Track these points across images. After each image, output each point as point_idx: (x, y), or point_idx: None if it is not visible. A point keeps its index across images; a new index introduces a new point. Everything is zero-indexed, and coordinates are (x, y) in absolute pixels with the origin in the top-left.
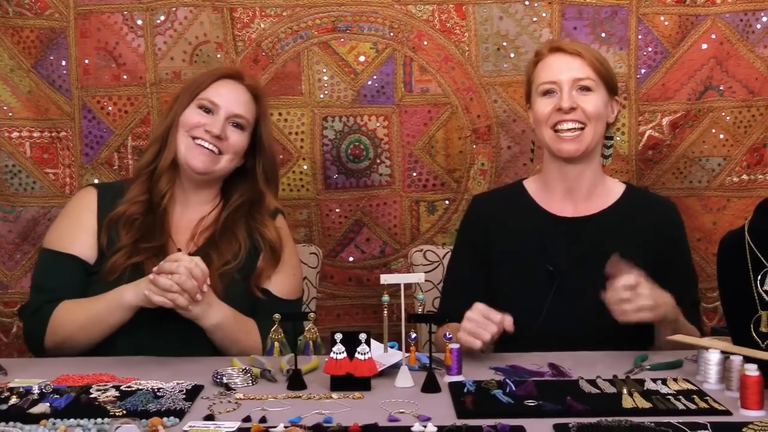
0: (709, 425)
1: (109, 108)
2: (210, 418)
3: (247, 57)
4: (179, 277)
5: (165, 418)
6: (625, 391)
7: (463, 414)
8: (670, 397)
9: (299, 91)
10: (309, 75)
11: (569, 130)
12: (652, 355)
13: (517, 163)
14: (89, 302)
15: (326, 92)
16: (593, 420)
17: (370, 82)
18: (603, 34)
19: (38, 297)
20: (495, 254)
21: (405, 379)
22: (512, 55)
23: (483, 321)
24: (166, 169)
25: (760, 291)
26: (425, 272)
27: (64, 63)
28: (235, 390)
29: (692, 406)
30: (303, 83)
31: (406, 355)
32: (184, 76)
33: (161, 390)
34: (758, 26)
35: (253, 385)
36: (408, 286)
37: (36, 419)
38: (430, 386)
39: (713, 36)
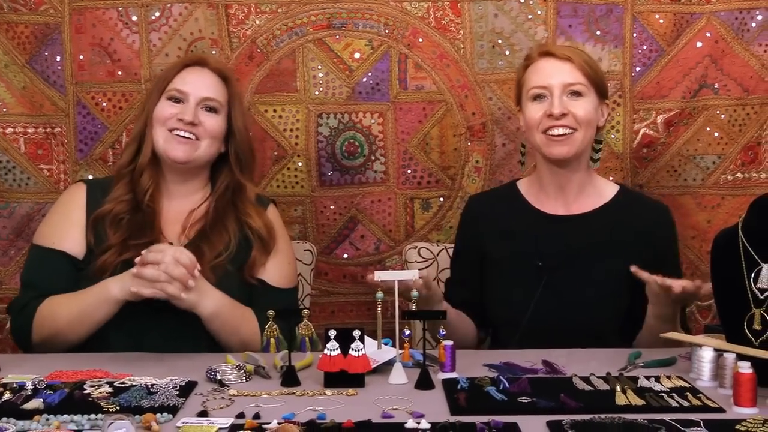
0: (702, 422)
1: (104, 104)
2: (203, 414)
3: (242, 53)
4: (166, 266)
5: (158, 414)
6: (618, 388)
7: (456, 411)
8: (663, 394)
9: (294, 88)
10: (304, 72)
11: (560, 134)
12: (646, 352)
13: (511, 160)
14: (75, 297)
15: (321, 89)
16: (587, 417)
17: (365, 79)
18: (598, 32)
19: (27, 293)
20: (488, 252)
21: (399, 375)
22: (507, 52)
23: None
24: (147, 166)
25: (754, 289)
26: (419, 269)
27: (58, 59)
28: (228, 386)
29: (685, 404)
30: (298, 80)
31: (400, 351)
32: None
33: (155, 386)
34: (753, 24)
35: (246, 381)
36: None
37: (29, 415)
38: (424, 383)
39: (708, 34)
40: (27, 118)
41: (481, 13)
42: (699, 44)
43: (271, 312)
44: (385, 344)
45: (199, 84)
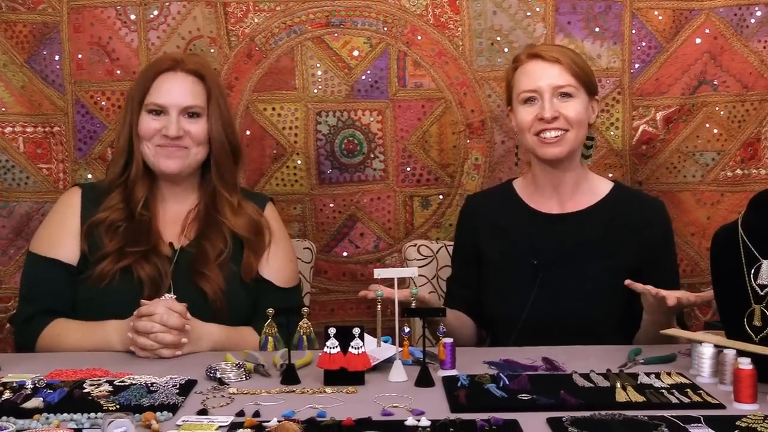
0: (702, 419)
1: (103, 103)
2: (203, 412)
3: (241, 52)
4: (155, 335)
5: (158, 413)
6: (618, 384)
7: (456, 408)
8: (663, 390)
9: (293, 86)
10: (303, 70)
11: (553, 137)
12: (646, 349)
13: (511, 157)
14: (79, 330)
15: (320, 87)
16: (587, 414)
17: (363, 77)
18: (597, 29)
19: (28, 307)
20: (484, 251)
21: (398, 373)
22: (506, 49)
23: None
24: (140, 178)
25: (754, 285)
26: (419, 267)
27: (57, 58)
28: (228, 385)
29: (686, 400)
30: (297, 78)
31: (400, 349)
32: None
33: (155, 385)
34: (752, 21)
35: (246, 379)
36: (402, 280)
37: (29, 414)
38: (424, 380)
39: (707, 31)
40: (26, 117)
41: (479, 10)
42: (698, 41)
43: (270, 310)
44: (385, 342)
45: (176, 93)
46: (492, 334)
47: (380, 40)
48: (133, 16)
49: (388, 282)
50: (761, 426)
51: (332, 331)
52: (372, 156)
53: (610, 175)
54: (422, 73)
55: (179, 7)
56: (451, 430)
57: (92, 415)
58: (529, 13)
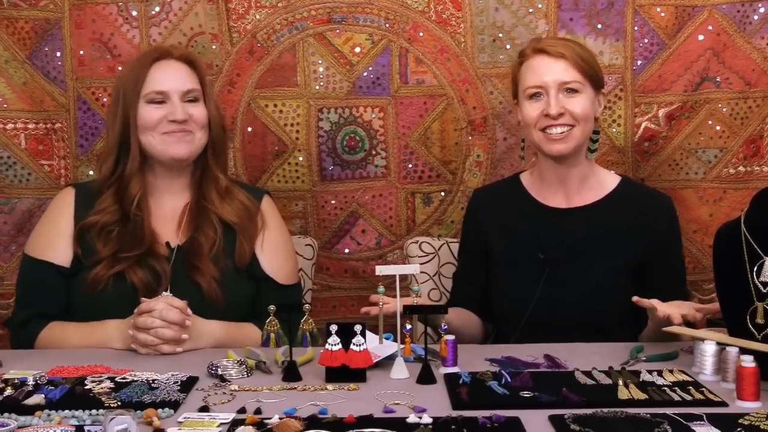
0: (705, 416)
1: (104, 99)
2: (205, 409)
3: (243, 48)
4: (155, 331)
5: (160, 410)
6: (620, 382)
7: (458, 405)
8: (665, 388)
9: (295, 83)
10: (304, 66)
11: (559, 133)
12: (648, 346)
13: (512, 154)
14: (78, 331)
15: (322, 84)
16: (589, 411)
17: (365, 74)
18: (599, 26)
19: (24, 311)
20: (490, 245)
21: (400, 370)
22: (508, 46)
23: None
24: (135, 173)
25: (756, 282)
26: (421, 264)
27: (59, 54)
28: (230, 381)
29: (688, 398)
30: (298, 74)
31: (402, 346)
32: None
33: (156, 381)
34: (755, 17)
35: (248, 376)
36: (404, 277)
37: (31, 410)
38: (426, 378)
39: (710, 27)
40: (27, 113)
41: (481, 6)
42: (701, 37)
43: (271, 307)
44: (387, 339)
45: (174, 78)
46: (497, 328)
47: (382, 36)
48: (134, 13)
49: (390, 278)
50: (764, 424)
51: (334, 328)
52: (374, 153)
53: (612, 172)
54: (424, 70)
55: (181, 4)
56: (453, 427)
57: (94, 411)
58: (531, 10)
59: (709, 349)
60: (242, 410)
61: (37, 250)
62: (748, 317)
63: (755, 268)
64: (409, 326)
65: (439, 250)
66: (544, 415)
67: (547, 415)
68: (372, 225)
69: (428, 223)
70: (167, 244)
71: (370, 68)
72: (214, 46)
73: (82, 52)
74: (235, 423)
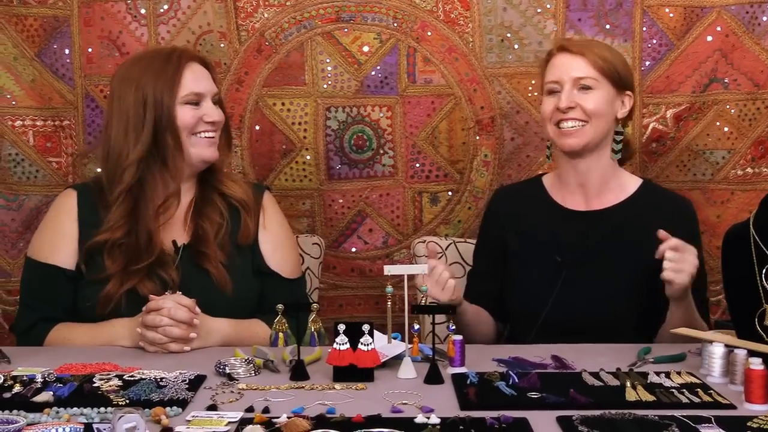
0: (713, 419)
1: None
2: (213, 408)
3: (251, 47)
4: (163, 329)
5: (168, 408)
6: (628, 383)
7: (466, 405)
8: (673, 390)
9: (303, 82)
10: (312, 65)
11: (570, 127)
12: (656, 348)
13: (520, 154)
14: (85, 333)
15: (330, 82)
16: (596, 413)
17: (373, 73)
18: (607, 26)
19: (29, 315)
20: (509, 246)
21: (408, 370)
22: (516, 46)
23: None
24: (159, 179)
25: (765, 284)
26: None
27: (67, 52)
28: (237, 380)
29: (696, 400)
30: (306, 73)
31: (409, 346)
32: None
33: (164, 380)
34: (764, 18)
35: (255, 375)
36: (411, 277)
37: (39, 408)
38: (433, 378)
39: (718, 28)
40: (36, 110)
41: (490, 6)
42: (709, 38)
43: (280, 306)
44: (395, 338)
45: (204, 80)
46: (512, 328)
47: (390, 35)
48: (143, 11)
49: (397, 278)
50: None
51: (342, 327)
52: (381, 152)
53: None
54: (432, 69)
55: (189, 2)
56: (461, 427)
57: (102, 409)
58: (539, 10)
59: (717, 351)
60: (250, 409)
61: (42, 254)
62: (756, 319)
63: (764, 271)
64: (417, 326)
65: (446, 249)
66: (551, 416)
67: (555, 416)
68: (379, 224)
69: (435, 222)
70: (174, 242)
71: (378, 67)
72: (222, 45)
73: (90, 50)
74: (243, 422)
